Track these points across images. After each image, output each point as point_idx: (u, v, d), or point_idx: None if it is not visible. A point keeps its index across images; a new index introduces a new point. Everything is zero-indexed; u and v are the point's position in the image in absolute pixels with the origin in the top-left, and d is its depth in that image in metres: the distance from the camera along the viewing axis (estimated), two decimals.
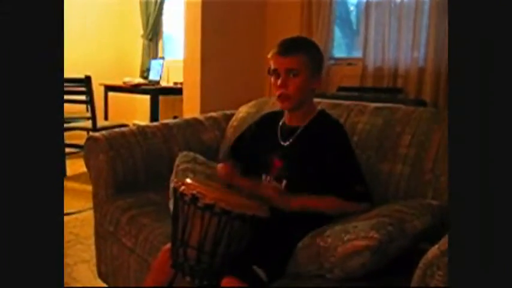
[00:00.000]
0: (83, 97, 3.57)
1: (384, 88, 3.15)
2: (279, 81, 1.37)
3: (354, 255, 1.09)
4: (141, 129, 1.96)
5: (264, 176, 1.43)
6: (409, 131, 1.58)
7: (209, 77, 3.39)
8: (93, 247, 2.07)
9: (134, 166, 1.84)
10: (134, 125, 5.17)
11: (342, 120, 1.77)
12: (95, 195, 1.85)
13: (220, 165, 1.62)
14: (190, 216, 1.10)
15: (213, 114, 2.30)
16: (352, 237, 1.11)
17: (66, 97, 3.46)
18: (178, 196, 1.13)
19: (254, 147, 1.53)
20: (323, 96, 3.31)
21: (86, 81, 3.38)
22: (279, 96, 1.39)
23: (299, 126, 1.44)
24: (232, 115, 2.26)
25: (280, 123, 1.50)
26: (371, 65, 3.22)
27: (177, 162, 1.75)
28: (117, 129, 1.94)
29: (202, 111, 3.31)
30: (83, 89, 3.51)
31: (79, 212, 2.89)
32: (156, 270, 1.31)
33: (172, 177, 1.68)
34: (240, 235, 1.12)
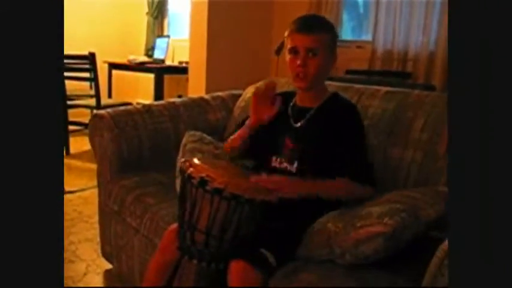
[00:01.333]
0: (86, 74, 3.52)
1: (392, 72, 3.10)
2: (298, 61, 1.32)
3: (367, 241, 1.07)
4: (147, 108, 1.92)
5: (274, 158, 1.39)
6: (421, 115, 1.54)
7: (215, 56, 3.34)
8: (96, 226, 2.05)
9: (140, 145, 1.81)
10: (138, 103, 5.13)
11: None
12: (99, 174, 1.83)
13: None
14: (199, 200, 1.07)
15: (220, 94, 2.25)
16: (366, 223, 1.09)
17: (69, 74, 3.42)
18: (186, 178, 1.09)
19: (264, 126, 1.49)
20: (330, 79, 3.27)
21: (90, 58, 3.33)
22: (297, 75, 1.34)
23: (311, 107, 1.40)
24: (239, 95, 2.22)
25: (292, 103, 1.46)
26: (380, 48, 3.16)
27: (183, 141, 1.72)
28: (122, 108, 1.91)
29: (208, 90, 3.26)
30: (86, 66, 3.46)
31: (82, 190, 2.88)
32: (161, 250, 1.29)
33: (179, 156, 1.65)
34: (249, 219, 1.09)
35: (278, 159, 1.38)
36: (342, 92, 1.79)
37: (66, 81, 3.41)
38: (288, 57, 1.37)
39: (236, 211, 1.06)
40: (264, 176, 1.23)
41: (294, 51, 1.33)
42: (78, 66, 3.48)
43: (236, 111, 2.13)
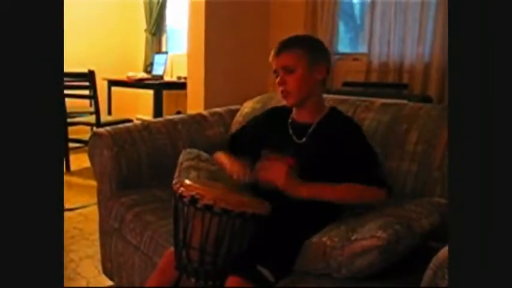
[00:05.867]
0: (86, 92, 3.56)
1: (389, 83, 3.12)
2: (277, 80, 1.39)
3: (362, 255, 1.08)
4: (146, 125, 1.94)
5: None
6: (416, 127, 1.56)
7: (213, 71, 3.37)
8: (97, 243, 2.06)
9: (139, 162, 1.83)
10: (138, 119, 5.15)
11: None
12: (99, 191, 1.84)
13: (225, 160, 1.47)
14: (191, 218, 1.09)
15: (218, 109, 2.28)
16: (359, 236, 1.10)
17: (69, 92, 3.46)
18: (178, 198, 1.12)
19: (260, 140, 1.50)
20: (327, 91, 3.30)
21: (90, 75, 3.37)
22: (281, 93, 1.41)
23: (311, 123, 1.42)
24: (237, 110, 2.25)
25: (290, 119, 1.48)
26: (376, 60, 3.19)
27: (180, 159, 1.74)
28: (121, 125, 1.93)
29: (206, 105, 3.29)
30: (86, 83, 3.50)
31: (83, 207, 2.89)
32: (161, 270, 1.30)
33: (175, 175, 1.67)
34: (241, 234, 1.11)
35: None
36: (338, 105, 1.81)
37: (66, 99, 3.45)
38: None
39: (228, 226, 1.08)
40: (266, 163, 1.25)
41: (276, 73, 1.41)
42: (78, 84, 3.52)
43: (234, 126, 2.15)
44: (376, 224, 1.12)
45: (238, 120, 2.15)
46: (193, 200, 1.07)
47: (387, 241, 1.05)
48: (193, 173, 1.61)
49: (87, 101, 4.05)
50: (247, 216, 1.09)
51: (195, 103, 3.45)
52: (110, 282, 1.91)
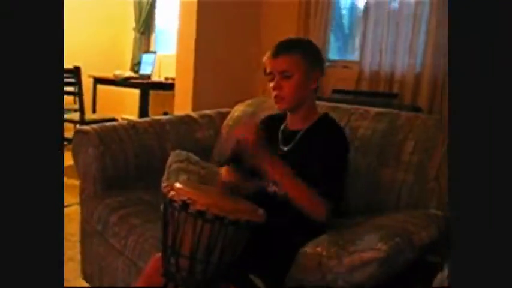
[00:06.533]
0: (71, 88, 3.47)
1: (379, 92, 3.12)
2: (272, 84, 1.34)
3: (361, 267, 1.04)
4: (133, 124, 1.88)
5: (266, 183, 1.35)
6: (412, 137, 1.53)
7: (202, 72, 3.32)
8: (78, 244, 1.99)
9: (125, 162, 1.77)
10: (123, 119, 5.06)
11: (342, 124, 1.73)
12: (82, 191, 1.77)
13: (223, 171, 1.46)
14: (182, 223, 1.02)
15: (208, 112, 2.23)
16: (359, 248, 1.06)
17: None
18: (168, 202, 1.05)
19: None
20: (318, 98, 3.27)
21: (75, 72, 3.28)
22: (275, 98, 1.35)
23: (299, 130, 1.39)
24: (227, 113, 2.20)
25: (282, 127, 1.44)
26: (367, 68, 3.18)
27: (169, 162, 1.68)
28: (107, 124, 1.86)
29: (195, 107, 3.23)
30: (71, 80, 3.40)
31: (65, 206, 2.79)
32: (147, 276, 1.23)
33: (164, 178, 1.61)
34: (234, 242, 1.05)
35: (268, 182, 1.35)
36: (332, 112, 1.77)
37: None
38: (268, 81, 1.37)
39: (220, 233, 1.02)
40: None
41: (270, 76, 1.35)
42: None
43: (224, 129, 2.10)
44: (376, 236, 1.09)
45: (229, 123, 2.10)
46: (185, 205, 1.01)
47: (387, 254, 1.02)
48: (182, 176, 1.55)
49: (71, 98, 3.95)
50: (241, 224, 1.04)
51: (182, 104, 3.39)
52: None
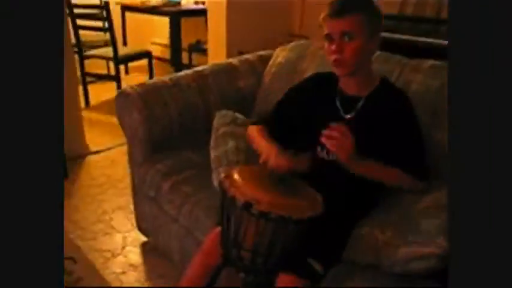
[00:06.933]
0: (100, 23, 3.37)
1: (426, 18, 2.89)
2: (333, 46, 1.23)
3: (419, 259, 1.05)
4: (175, 81, 1.83)
5: (320, 149, 1.32)
6: None
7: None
8: (127, 191, 2.08)
9: (170, 123, 1.76)
10: (153, 44, 4.93)
11: (393, 77, 1.63)
12: (130, 155, 1.79)
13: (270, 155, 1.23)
14: (244, 221, 1.04)
15: (248, 56, 2.14)
16: (419, 240, 1.06)
17: (84, 23, 3.28)
18: (229, 199, 1.05)
19: (307, 114, 1.40)
20: None
21: (105, 7, 3.16)
22: (334, 62, 1.25)
23: (360, 96, 1.32)
24: (268, 57, 2.10)
25: (337, 90, 1.37)
26: None
27: (215, 124, 1.66)
28: (150, 82, 1.82)
29: (229, 34, 3.12)
30: (97, 11, 3.28)
31: (108, 149, 2.87)
32: (205, 253, 1.28)
33: (212, 142, 1.60)
34: (296, 237, 1.06)
35: (325, 151, 1.32)
36: (383, 63, 1.68)
37: (80, 31, 3.29)
38: (325, 43, 1.27)
39: (283, 231, 1.04)
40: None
41: (329, 37, 1.24)
42: (92, 14, 3.32)
43: (266, 77, 2.03)
44: (436, 229, 1.07)
45: (271, 70, 2.02)
46: (248, 205, 1.01)
47: (447, 250, 1.01)
48: (231, 143, 1.54)
49: (101, 24, 3.83)
50: (304, 221, 1.04)
51: (216, 31, 3.23)
52: (144, 238, 1.94)
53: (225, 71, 2.00)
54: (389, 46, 2.79)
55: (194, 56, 4.07)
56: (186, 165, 1.67)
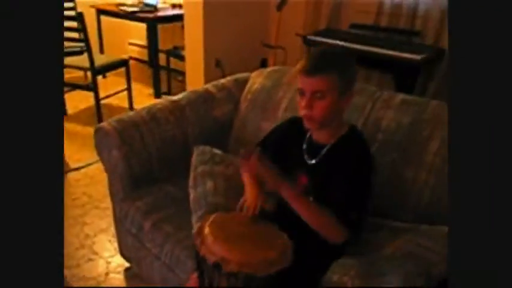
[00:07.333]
0: (75, 34, 3.33)
1: (399, 29, 2.95)
2: (303, 102, 1.29)
3: None
4: (153, 115, 1.86)
5: None
6: (437, 136, 1.52)
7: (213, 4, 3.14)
8: (108, 212, 2.11)
9: (149, 157, 1.79)
10: (131, 44, 4.83)
11: (365, 112, 1.69)
12: (111, 191, 1.83)
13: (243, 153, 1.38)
14: (216, 278, 1.10)
15: (224, 82, 2.17)
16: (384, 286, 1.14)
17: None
18: (201, 259, 1.13)
19: (278, 157, 1.45)
20: (336, 32, 3.12)
21: (79, 18, 3.12)
22: (304, 116, 1.31)
23: (325, 144, 1.38)
24: (244, 81, 2.14)
25: (307, 136, 1.42)
26: (388, 1, 2.97)
27: (193, 161, 1.70)
28: (126, 116, 1.82)
29: (206, 39, 3.15)
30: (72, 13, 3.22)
31: (88, 165, 2.88)
32: None
33: (190, 182, 1.64)
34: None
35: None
36: (356, 95, 1.73)
37: None
38: (297, 96, 1.33)
39: (252, 286, 1.10)
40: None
41: (301, 92, 1.30)
42: (67, 25, 3.26)
43: (243, 104, 2.07)
44: (401, 275, 1.15)
45: (248, 97, 2.07)
46: (217, 265, 1.08)
47: None
48: (209, 184, 1.59)
49: (76, 34, 3.78)
50: (272, 276, 1.11)
51: (193, 36, 3.24)
52: (128, 264, 1.99)
53: (202, 100, 2.03)
54: (364, 59, 2.86)
55: (172, 58, 4.05)
56: (166, 202, 1.71)
